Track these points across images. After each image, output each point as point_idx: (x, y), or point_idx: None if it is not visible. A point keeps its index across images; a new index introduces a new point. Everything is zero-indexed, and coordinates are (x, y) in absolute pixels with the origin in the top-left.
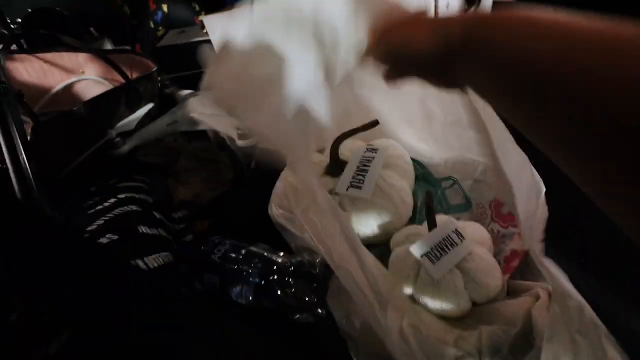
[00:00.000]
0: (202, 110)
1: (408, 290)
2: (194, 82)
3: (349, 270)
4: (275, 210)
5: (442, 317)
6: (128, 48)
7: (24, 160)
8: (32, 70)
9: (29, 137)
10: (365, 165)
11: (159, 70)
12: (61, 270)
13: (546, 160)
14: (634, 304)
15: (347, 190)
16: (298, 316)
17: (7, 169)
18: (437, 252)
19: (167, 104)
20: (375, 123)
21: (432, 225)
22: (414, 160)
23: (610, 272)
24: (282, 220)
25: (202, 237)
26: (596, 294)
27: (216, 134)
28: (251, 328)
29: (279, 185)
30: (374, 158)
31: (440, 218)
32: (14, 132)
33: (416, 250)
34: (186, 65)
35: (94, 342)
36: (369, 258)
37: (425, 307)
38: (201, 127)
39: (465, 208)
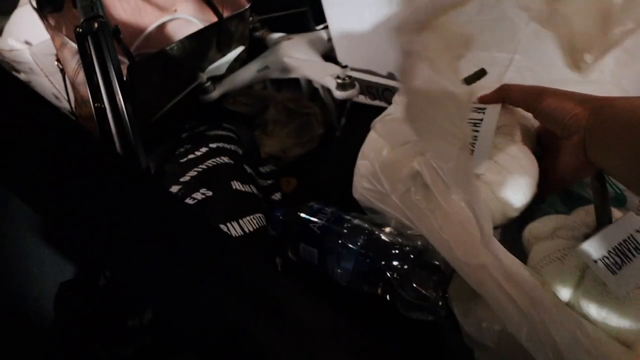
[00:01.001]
0: (295, 55)
1: (564, 296)
2: (287, 24)
3: (487, 270)
4: (361, 194)
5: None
6: None
7: (120, 100)
8: (127, 6)
9: (124, 77)
10: (472, 130)
11: (250, 9)
12: (153, 230)
13: None
14: None
15: None
16: (414, 313)
17: (104, 108)
18: (618, 257)
19: (256, 48)
20: (482, 73)
21: (606, 218)
22: None
23: None
24: (375, 204)
25: (290, 197)
26: None
27: (309, 82)
28: (356, 317)
29: (362, 163)
30: (481, 120)
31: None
32: (111, 70)
33: (588, 251)
34: (279, 4)
35: (184, 312)
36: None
37: (586, 316)
38: (293, 75)
39: (618, 203)
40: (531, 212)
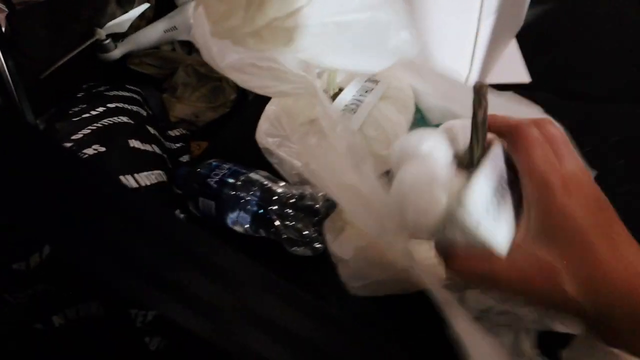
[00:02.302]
0: None
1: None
2: None
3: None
4: (263, 137)
5: None
6: None
7: None
8: None
9: (3, 28)
10: (361, 95)
11: None
12: (39, 185)
13: None
14: None
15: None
16: (295, 249)
17: None
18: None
19: (164, 6)
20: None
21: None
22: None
23: None
24: (273, 147)
25: (199, 159)
26: None
27: None
28: (245, 256)
29: (270, 108)
30: (372, 89)
31: None
32: None
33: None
34: None
35: (75, 257)
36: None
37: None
38: None
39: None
40: None
